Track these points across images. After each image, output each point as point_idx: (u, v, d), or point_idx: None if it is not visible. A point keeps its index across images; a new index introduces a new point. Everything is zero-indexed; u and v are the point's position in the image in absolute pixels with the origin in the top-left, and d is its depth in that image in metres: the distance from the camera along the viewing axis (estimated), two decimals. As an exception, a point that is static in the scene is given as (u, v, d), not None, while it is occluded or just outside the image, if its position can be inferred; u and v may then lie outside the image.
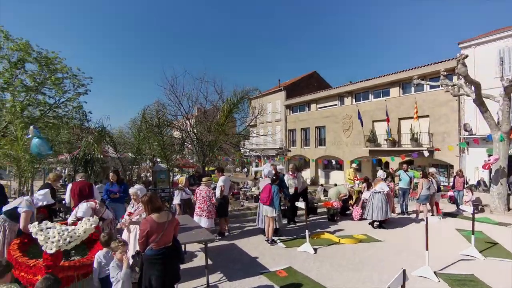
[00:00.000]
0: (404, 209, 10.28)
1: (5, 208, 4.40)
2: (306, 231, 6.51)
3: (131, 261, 3.43)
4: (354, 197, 10.58)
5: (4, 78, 9.28)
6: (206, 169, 9.34)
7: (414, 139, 18.59)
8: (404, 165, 10.74)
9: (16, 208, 4.27)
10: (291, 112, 31.25)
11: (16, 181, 7.92)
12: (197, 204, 6.71)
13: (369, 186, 10.18)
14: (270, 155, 30.60)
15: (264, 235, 7.13)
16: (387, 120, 19.88)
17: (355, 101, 24.26)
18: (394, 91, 21.17)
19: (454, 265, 5.54)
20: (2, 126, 8.50)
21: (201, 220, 6.39)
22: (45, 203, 4.56)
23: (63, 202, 6.83)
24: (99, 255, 3.72)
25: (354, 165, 12.80)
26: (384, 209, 8.07)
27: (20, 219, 4.21)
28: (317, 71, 35.04)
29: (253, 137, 13.41)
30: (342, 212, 9.93)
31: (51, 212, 6.10)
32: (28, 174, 6.79)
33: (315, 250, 6.34)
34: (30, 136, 6.92)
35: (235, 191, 14.37)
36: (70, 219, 4.88)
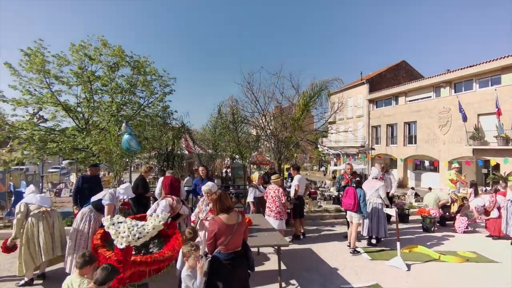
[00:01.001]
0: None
1: (93, 199, 4.69)
2: (398, 242, 5.49)
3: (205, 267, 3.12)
4: (456, 205, 8.83)
5: (102, 81, 10.44)
6: (281, 166, 8.88)
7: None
8: None
9: (100, 200, 4.50)
10: (375, 106, 28.75)
11: (111, 172, 8.72)
12: (267, 203, 6.30)
13: (476, 193, 8.43)
14: (351, 154, 28.68)
15: (347, 242, 6.34)
16: (498, 113, 16.50)
17: (455, 92, 20.90)
18: (507, 78, 17.40)
19: None
20: (103, 125, 9.43)
21: (270, 220, 5.96)
22: (125, 197, 4.71)
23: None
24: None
25: (455, 165, 10.80)
26: None
27: (104, 210, 4.44)
28: (406, 60, 31.46)
29: (332, 133, 12.50)
30: (441, 222, 8.38)
31: (144, 201, 6.42)
32: (118, 167, 7.35)
33: (408, 266, 5.30)
34: (122, 132, 7.49)
35: (312, 190, 13.63)
36: (149, 213, 4.98)
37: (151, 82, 11.72)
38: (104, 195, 4.51)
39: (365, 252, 6.06)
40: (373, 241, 6.59)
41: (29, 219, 4.37)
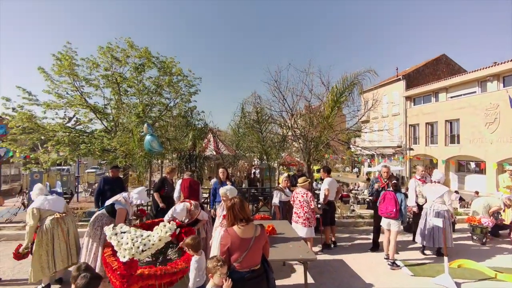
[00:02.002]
0: None
1: (107, 202, 4.48)
2: (445, 258, 4.74)
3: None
4: (510, 212, 7.74)
5: (129, 83, 10.47)
6: (311, 168, 8.32)
7: None
8: None
9: (113, 204, 4.27)
10: (412, 104, 27.01)
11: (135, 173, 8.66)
12: (293, 209, 5.77)
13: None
14: (386, 154, 27.16)
15: (384, 253, 5.67)
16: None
17: (503, 86, 18.97)
18: None
19: None
20: (130, 126, 9.38)
21: (297, 227, 5.43)
22: (139, 201, 4.44)
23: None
24: (195, 260, 3.24)
25: (508, 168, 9.57)
26: None
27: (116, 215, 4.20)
28: (446, 53, 29.30)
29: (366, 132, 11.69)
30: (493, 232, 7.37)
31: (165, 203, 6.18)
32: (141, 168, 7.24)
33: (458, 286, 4.56)
34: (144, 133, 7.37)
35: (345, 193, 12.86)
36: (166, 218, 4.69)
37: (177, 83, 11.62)
38: (117, 199, 4.28)
39: (406, 266, 5.35)
40: (427, 252, 5.99)
41: (43, 226, 4.19)
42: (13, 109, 9.30)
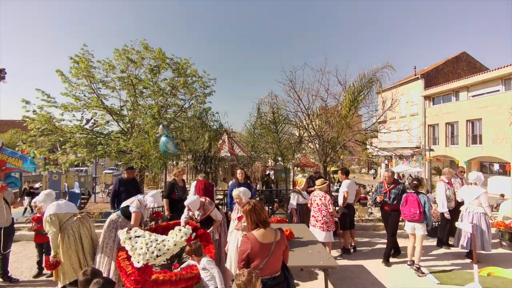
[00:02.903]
0: None
1: (122, 204, 4.42)
2: (475, 265, 4.44)
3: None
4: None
5: (144, 84, 10.54)
6: (327, 169, 8.10)
7: None
8: None
9: (128, 206, 4.21)
10: (431, 103, 26.23)
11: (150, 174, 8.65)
12: (311, 212, 5.57)
13: None
14: (405, 155, 26.45)
15: (407, 258, 5.40)
16: None
17: (530, 84, 18.13)
18: None
19: None
20: (147, 128, 9.41)
21: (315, 231, 5.22)
22: (153, 205, 4.36)
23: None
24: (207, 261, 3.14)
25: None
26: None
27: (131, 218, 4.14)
28: (467, 51, 28.32)
29: (383, 133, 11.31)
30: (524, 237, 6.94)
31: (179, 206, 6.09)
32: (156, 169, 7.21)
33: (490, 295, 4.26)
34: (159, 134, 7.34)
35: (362, 195, 12.50)
36: (183, 218, 4.61)
37: (192, 84, 11.63)
38: (132, 202, 4.21)
39: (431, 273, 5.07)
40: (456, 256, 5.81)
41: (68, 228, 4.16)
42: (34, 111, 9.49)
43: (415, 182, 5.50)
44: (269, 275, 2.50)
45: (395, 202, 5.57)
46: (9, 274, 4.84)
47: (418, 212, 5.00)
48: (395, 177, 6.23)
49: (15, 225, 5.44)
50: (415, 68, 29.58)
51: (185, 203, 4.51)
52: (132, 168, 6.39)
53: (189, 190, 6.47)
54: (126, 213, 4.22)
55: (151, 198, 4.27)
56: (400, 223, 5.91)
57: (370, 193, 17.67)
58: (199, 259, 3.28)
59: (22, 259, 5.71)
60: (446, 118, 24.19)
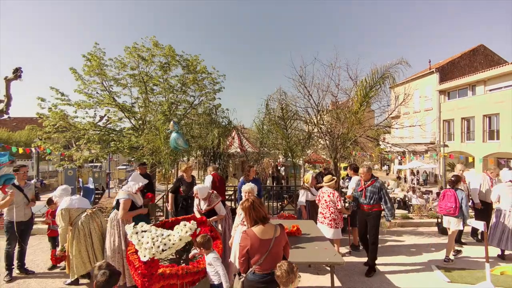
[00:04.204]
0: None
1: (114, 202, 4.47)
2: (487, 264, 4.35)
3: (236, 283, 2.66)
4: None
5: (154, 82, 10.64)
6: (338, 165, 8.02)
7: None
8: None
9: (118, 201, 4.26)
10: (446, 98, 25.57)
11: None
12: (319, 209, 5.54)
13: None
14: (419, 152, 25.94)
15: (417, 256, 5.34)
16: None
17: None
18: None
19: None
20: (158, 124, 9.51)
21: (323, 228, 5.20)
22: (137, 185, 4.32)
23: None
24: (213, 257, 3.18)
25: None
26: None
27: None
28: (484, 44, 27.42)
29: (396, 128, 11.11)
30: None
31: (184, 203, 6.14)
32: (167, 165, 7.30)
33: (503, 295, 4.17)
34: (170, 130, 7.42)
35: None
36: (195, 206, 4.72)
37: (202, 81, 11.66)
38: (118, 194, 4.30)
39: (442, 271, 4.99)
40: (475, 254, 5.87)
41: (78, 223, 4.27)
42: (49, 109, 9.73)
43: (452, 178, 5.58)
44: (269, 270, 2.53)
45: (372, 201, 5.06)
46: (25, 266, 5.03)
47: (453, 206, 5.19)
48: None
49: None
50: (429, 62, 28.88)
51: (194, 188, 4.60)
52: (144, 164, 6.48)
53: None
54: (118, 207, 4.24)
55: (131, 182, 4.30)
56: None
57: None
58: (207, 252, 3.32)
59: (38, 252, 5.91)
60: (462, 113, 23.56)
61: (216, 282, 3.08)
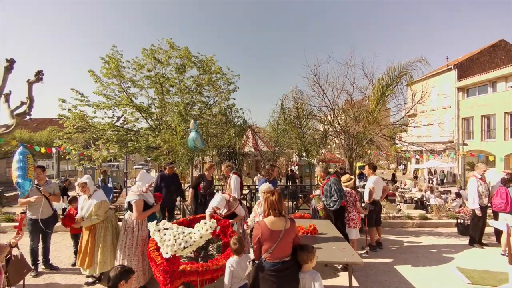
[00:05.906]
0: None
1: (126, 205, 4.46)
2: (510, 266, 4.23)
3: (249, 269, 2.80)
4: None
5: (170, 83, 10.82)
6: (353, 165, 7.96)
7: None
8: None
9: (130, 202, 4.24)
10: (465, 95, 24.88)
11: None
12: None
13: None
14: (436, 150, 25.32)
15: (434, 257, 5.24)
16: None
17: None
18: None
19: None
20: (174, 124, 9.68)
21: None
22: (146, 185, 4.34)
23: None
24: (231, 262, 3.20)
25: None
26: None
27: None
28: (505, 39, 26.50)
29: (413, 127, 10.88)
30: None
31: (203, 200, 6.20)
32: (183, 165, 7.43)
33: (526, 298, 4.04)
34: (190, 129, 7.53)
35: (390, 192, 12.18)
36: (207, 212, 4.74)
37: (216, 81, 11.77)
38: (128, 196, 4.36)
39: (463, 273, 4.88)
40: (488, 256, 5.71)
41: (111, 219, 4.37)
42: (69, 109, 10.05)
43: (506, 177, 5.72)
44: (278, 259, 2.73)
45: (330, 202, 4.99)
46: (50, 262, 5.22)
47: (504, 202, 5.36)
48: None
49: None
50: (447, 58, 28.15)
51: (212, 204, 4.47)
52: (171, 164, 6.57)
53: (219, 185, 6.59)
54: (131, 209, 4.23)
55: (139, 182, 4.28)
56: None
57: (400, 189, 17.18)
58: (235, 255, 3.34)
59: (61, 248, 6.12)
60: (482, 110, 22.88)
61: (235, 279, 3.13)
